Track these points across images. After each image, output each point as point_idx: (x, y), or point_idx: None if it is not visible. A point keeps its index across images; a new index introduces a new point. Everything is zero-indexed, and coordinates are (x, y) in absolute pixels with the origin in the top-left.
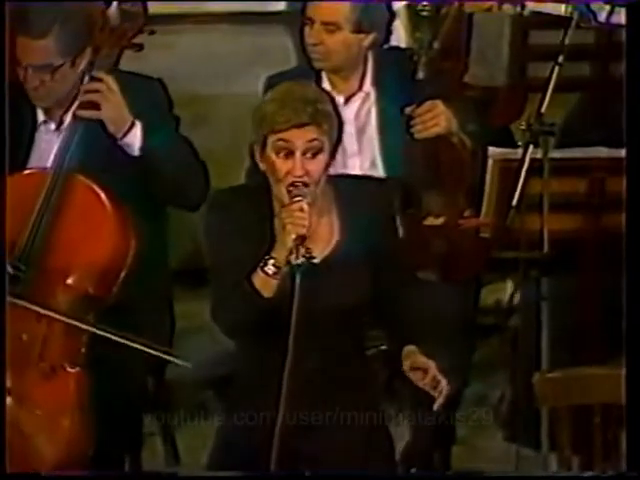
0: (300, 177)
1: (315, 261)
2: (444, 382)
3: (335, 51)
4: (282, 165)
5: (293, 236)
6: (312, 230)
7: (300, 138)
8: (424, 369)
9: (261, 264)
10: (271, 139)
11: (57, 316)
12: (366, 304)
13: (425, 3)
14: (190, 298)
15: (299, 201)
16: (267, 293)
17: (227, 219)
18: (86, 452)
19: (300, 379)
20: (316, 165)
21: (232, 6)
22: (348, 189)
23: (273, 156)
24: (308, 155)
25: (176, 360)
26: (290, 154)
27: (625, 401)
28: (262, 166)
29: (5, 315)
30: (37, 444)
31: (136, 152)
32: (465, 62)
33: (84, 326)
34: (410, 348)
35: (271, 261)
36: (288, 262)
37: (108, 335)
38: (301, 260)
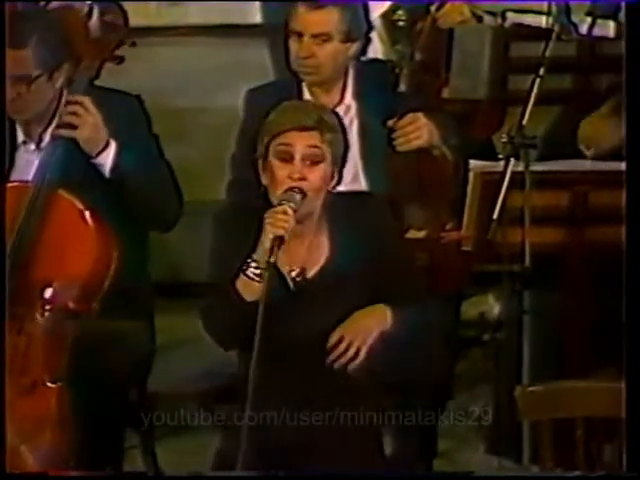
0: (297, 181)
1: (297, 279)
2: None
3: (325, 63)
4: (281, 170)
5: (270, 236)
6: (307, 249)
7: (301, 141)
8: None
9: (243, 267)
10: (273, 145)
11: None
12: None
13: (400, 12)
14: (171, 311)
15: (284, 204)
16: (249, 296)
17: (228, 237)
18: (67, 465)
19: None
20: (315, 174)
21: (212, 18)
22: (337, 206)
23: (274, 162)
24: (308, 162)
25: None
26: (290, 159)
27: (625, 400)
28: (264, 179)
29: (5, 322)
30: (19, 458)
31: (107, 173)
32: (446, 75)
33: None
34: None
35: (253, 264)
36: (269, 263)
37: None
38: (294, 281)
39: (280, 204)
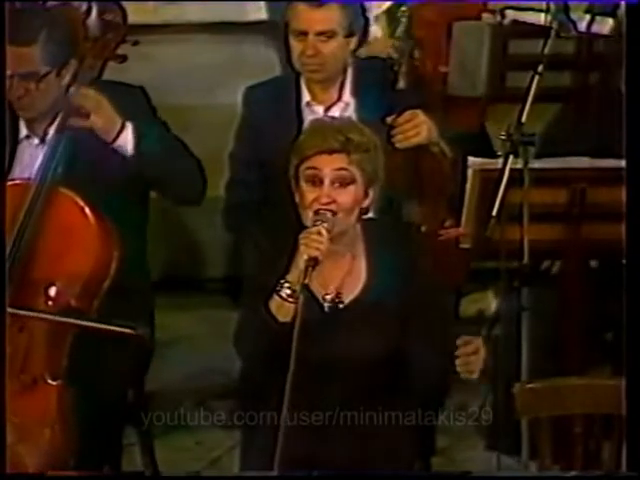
0: (327, 205)
1: (332, 302)
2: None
3: (330, 60)
4: (311, 193)
5: (305, 257)
6: (345, 273)
7: (328, 165)
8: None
9: (277, 288)
10: (302, 168)
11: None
12: (395, 352)
13: (404, 9)
14: (170, 308)
15: (318, 225)
16: (282, 317)
17: (258, 242)
18: (67, 463)
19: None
20: (345, 197)
21: (212, 16)
22: (377, 233)
23: (303, 185)
24: (336, 185)
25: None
26: (319, 182)
27: (625, 400)
28: (297, 198)
29: (5, 319)
30: (18, 455)
31: (129, 153)
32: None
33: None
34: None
35: (286, 284)
36: (304, 285)
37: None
38: (328, 304)
39: (314, 224)
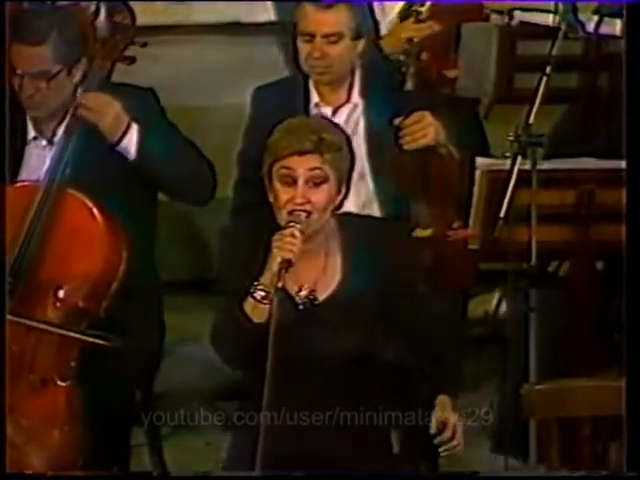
0: (301, 205)
1: (306, 299)
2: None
3: (337, 62)
4: (284, 194)
5: (278, 259)
6: (319, 271)
7: (302, 165)
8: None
9: (251, 290)
10: (275, 168)
11: (43, 326)
12: (371, 349)
13: (413, 8)
14: (178, 309)
15: (292, 227)
16: (257, 318)
17: (237, 242)
18: (75, 464)
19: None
20: (319, 195)
21: (221, 17)
22: (352, 229)
23: (277, 185)
24: (310, 184)
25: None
26: (293, 182)
27: (625, 400)
28: (270, 197)
29: (5, 324)
30: (26, 456)
31: (132, 155)
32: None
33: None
34: (442, 399)
35: (259, 287)
36: (277, 287)
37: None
38: (303, 301)
39: (287, 226)
